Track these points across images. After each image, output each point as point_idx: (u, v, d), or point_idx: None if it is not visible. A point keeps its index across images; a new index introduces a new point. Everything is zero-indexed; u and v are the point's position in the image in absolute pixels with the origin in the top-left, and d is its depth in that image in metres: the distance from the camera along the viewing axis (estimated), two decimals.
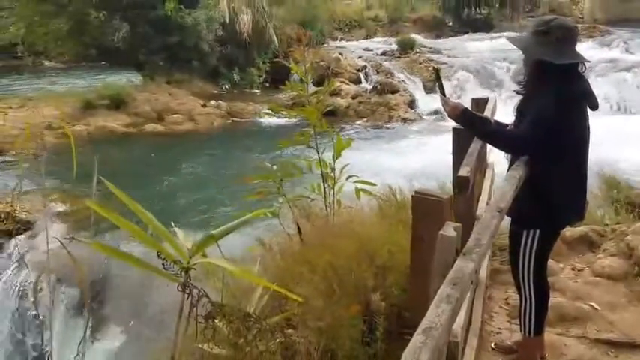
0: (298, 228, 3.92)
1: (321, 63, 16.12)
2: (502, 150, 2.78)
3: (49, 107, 12.50)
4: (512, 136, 2.70)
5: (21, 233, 6.29)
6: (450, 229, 1.69)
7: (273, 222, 4.19)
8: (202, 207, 8.10)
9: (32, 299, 5.48)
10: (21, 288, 5.66)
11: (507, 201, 2.16)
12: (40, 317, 5.18)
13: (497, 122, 2.99)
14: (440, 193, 2.00)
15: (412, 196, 1.97)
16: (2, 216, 6.62)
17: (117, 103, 13.61)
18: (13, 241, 6.21)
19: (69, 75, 19.60)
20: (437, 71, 3.26)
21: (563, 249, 4.44)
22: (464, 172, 2.44)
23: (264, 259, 3.79)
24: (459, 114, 2.76)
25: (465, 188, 2.40)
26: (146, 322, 5.02)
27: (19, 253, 5.95)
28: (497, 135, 2.74)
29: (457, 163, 3.08)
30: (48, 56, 23.55)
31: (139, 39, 15.80)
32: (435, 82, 3.40)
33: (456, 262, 1.57)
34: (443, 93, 2.99)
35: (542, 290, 2.79)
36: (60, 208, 6.86)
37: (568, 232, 4.43)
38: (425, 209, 1.90)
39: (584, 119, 2.63)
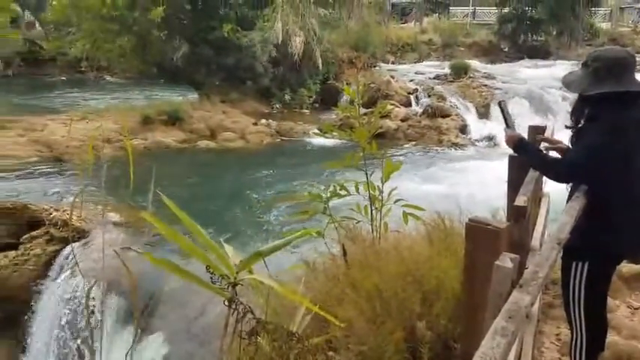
0: (343, 249, 3.88)
1: (372, 85, 16.17)
2: (549, 177, 2.83)
3: (109, 121, 13.06)
4: (556, 164, 2.74)
5: (76, 241, 6.52)
6: (506, 260, 1.63)
7: (317, 242, 4.18)
8: (248, 223, 8.19)
9: (84, 306, 5.64)
10: (73, 295, 5.85)
11: (567, 233, 2.07)
12: (90, 324, 5.32)
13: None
14: (495, 222, 1.93)
15: (466, 224, 1.92)
16: (59, 223, 6.88)
17: (174, 119, 14.07)
18: (68, 248, 6.44)
19: (129, 90, 20.44)
20: (500, 104, 3.24)
21: (620, 286, 4.22)
22: (520, 201, 2.36)
23: (308, 279, 3.77)
24: (516, 142, 2.84)
25: (522, 217, 2.32)
26: (190, 335, 5.08)
27: (73, 260, 6.17)
28: (544, 162, 2.78)
29: (512, 191, 2.99)
30: (110, 72, 24.72)
31: (197, 59, 16.37)
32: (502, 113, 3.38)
33: (512, 295, 1.50)
34: (507, 125, 3.03)
35: (594, 326, 2.65)
36: (115, 218, 7.08)
37: (625, 268, 4.22)
38: (479, 238, 1.84)
39: (631, 148, 2.52)
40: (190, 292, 5.16)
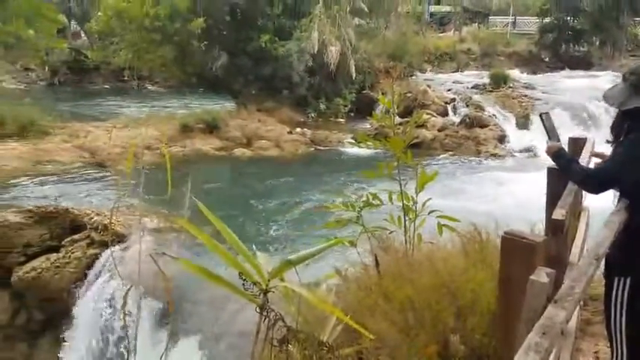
0: (376, 259, 3.85)
1: (408, 94, 16.08)
2: (581, 188, 2.86)
3: (150, 128, 13.38)
4: (589, 175, 2.72)
5: (115, 245, 6.68)
6: (542, 275, 1.59)
7: (348, 251, 4.16)
8: (281, 230, 8.23)
9: (121, 309, 5.77)
10: (111, 297, 6.00)
11: (606, 247, 2.00)
12: (127, 327, 5.43)
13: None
14: (532, 235, 1.89)
15: (502, 237, 1.88)
16: (100, 227, 7.08)
17: (211, 127, 14.34)
18: (107, 252, 6.61)
19: (169, 99, 20.93)
20: (541, 116, 3.19)
21: None
22: (559, 214, 2.30)
23: (339, 288, 3.75)
24: (554, 152, 2.83)
25: (560, 231, 2.26)
26: (222, 340, 5.12)
27: (112, 263, 6.32)
28: (577, 172, 2.76)
29: (550, 203, 2.91)
30: (151, 81, 25.39)
31: (235, 68, 16.67)
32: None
33: (547, 310, 1.46)
34: (549, 137, 3.03)
35: (636, 345, 2.54)
36: (153, 223, 7.23)
37: None
38: (515, 251, 1.79)
39: None
40: (223, 298, 5.21)
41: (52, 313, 6.56)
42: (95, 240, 6.81)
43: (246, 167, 12.76)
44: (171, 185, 3.22)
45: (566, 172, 2.87)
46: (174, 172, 3.19)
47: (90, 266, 6.52)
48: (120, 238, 6.82)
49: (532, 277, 1.60)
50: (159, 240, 6.67)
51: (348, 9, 17.69)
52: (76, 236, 6.92)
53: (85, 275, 6.50)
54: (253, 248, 2.98)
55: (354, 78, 17.54)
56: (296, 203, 10.05)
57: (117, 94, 22.39)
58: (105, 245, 6.66)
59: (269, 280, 2.44)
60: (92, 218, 7.11)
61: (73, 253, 6.67)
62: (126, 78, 24.53)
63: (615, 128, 2.71)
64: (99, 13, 18.19)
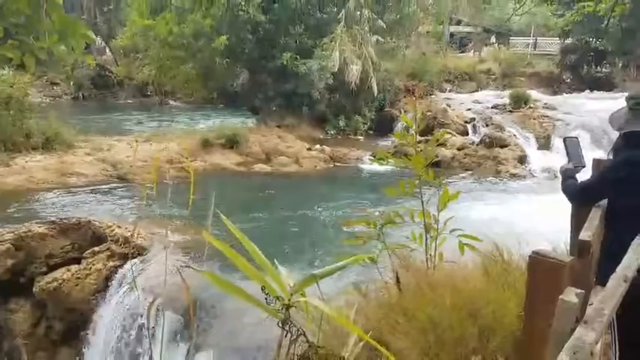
0: (397, 277, 3.84)
1: (428, 113, 16.09)
2: (567, 198, 2.97)
3: (172, 143, 13.57)
4: (573, 187, 2.89)
5: (135, 257, 6.75)
6: (571, 295, 1.58)
7: (368, 268, 4.15)
8: (300, 246, 8.23)
9: (140, 320, 5.81)
10: (131, 309, 6.04)
11: (634, 270, 1.97)
12: (147, 338, 5.46)
13: None
14: (560, 255, 1.88)
15: (529, 257, 1.87)
16: (121, 240, 7.17)
17: (232, 143, 14.48)
18: (128, 264, 6.68)
19: (191, 114, 21.19)
20: (564, 140, 3.25)
21: None
22: (585, 235, 2.29)
23: (360, 305, 3.74)
24: (562, 172, 3.04)
25: (586, 253, 2.24)
26: (242, 354, 5.11)
27: (132, 276, 6.39)
28: (566, 185, 2.94)
29: (575, 225, 2.89)
30: (174, 96, 25.79)
31: (256, 85, 16.90)
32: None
33: (577, 330, 1.45)
34: (569, 160, 3.13)
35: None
36: (174, 236, 7.30)
37: None
38: (542, 271, 1.79)
39: None
40: (241, 312, 5.21)
41: (71, 324, 6.63)
42: (116, 252, 6.88)
43: (265, 182, 12.83)
44: (193, 200, 3.26)
45: (563, 189, 3.00)
46: (196, 186, 3.24)
47: (110, 278, 6.59)
48: (140, 251, 6.88)
49: (562, 297, 1.59)
50: (180, 253, 6.72)
51: (368, 28, 17.85)
52: (96, 248, 7.00)
53: (106, 287, 6.57)
54: (275, 262, 3.00)
55: (376, 96, 17.64)
56: (314, 219, 10.06)
57: (140, 109, 22.75)
58: (125, 258, 6.73)
59: (292, 295, 2.45)
60: (113, 230, 7.20)
61: (93, 264, 6.74)
62: (149, 93, 24.97)
63: (615, 150, 2.81)
64: (124, 29, 18.65)
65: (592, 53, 26.26)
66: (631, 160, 2.59)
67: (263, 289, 2.48)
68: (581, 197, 2.87)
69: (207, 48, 15.67)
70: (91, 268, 6.74)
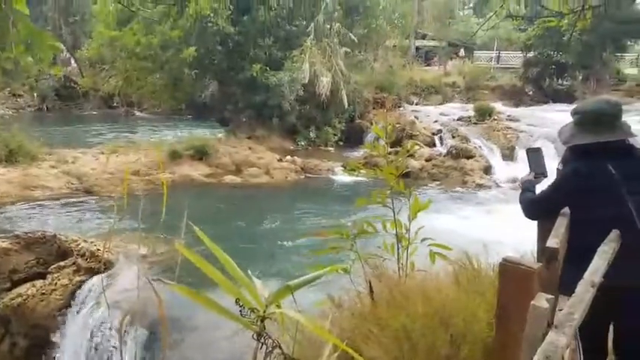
0: (370, 286, 3.86)
1: (397, 125, 16.30)
2: (522, 212, 2.97)
3: (139, 155, 13.37)
4: (525, 201, 2.91)
5: (103, 272, 6.60)
6: (542, 301, 1.63)
7: (341, 278, 4.17)
8: (273, 257, 8.20)
9: (108, 336, 5.68)
10: (98, 325, 5.89)
11: (600, 276, 2.05)
12: (113, 355, 5.34)
13: None
14: (529, 262, 1.94)
15: (500, 264, 1.92)
16: (87, 254, 7.00)
17: (201, 154, 14.36)
18: (94, 279, 6.53)
19: (158, 125, 20.97)
20: (527, 151, 3.32)
21: None
22: (552, 242, 2.36)
23: (334, 315, 3.75)
24: (522, 184, 3.05)
25: (554, 260, 2.31)
26: None
27: (99, 291, 6.24)
28: (521, 199, 2.96)
29: (542, 232, 2.97)
30: (140, 107, 25.47)
31: (226, 97, 16.83)
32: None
33: (549, 335, 1.50)
34: (530, 171, 3.13)
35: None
36: (142, 250, 7.17)
37: None
38: (513, 278, 1.84)
39: (602, 197, 2.54)
40: (217, 325, 5.16)
41: (36, 340, 6.41)
42: (82, 267, 6.71)
43: (235, 194, 12.75)
44: (163, 212, 3.22)
45: (520, 202, 3.03)
46: (162, 198, 3.20)
47: (76, 293, 6.42)
48: (108, 266, 6.74)
49: (533, 302, 1.63)
50: (150, 267, 6.61)
51: (337, 41, 18.05)
52: (62, 263, 6.82)
53: (72, 302, 6.39)
54: (250, 274, 2.99)
55: (346, 107, 17.81)
56: (286, 230, 10.04)
57: (105, 120, 22.39)
58: (92, 272, 6.58)
59: (267, 306, 2.45)
60: (79, 245, 7.03)
61: (59, 280, 6.56)
62: (115, 104, 24.64)
63: (564, 162, 2.85)
64: (90, 40, 18.37)
65: (553, 66, 27.18)
66: (578, 171, 2.64)
67: (237, 301, 2.47)
68: (532, 210, 2.89)
69: (175, 59, 15.53)
70: (56, 283, 6.56)
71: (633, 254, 2.40)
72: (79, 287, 6.56)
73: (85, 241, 7.21)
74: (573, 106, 2.96)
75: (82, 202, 10.74)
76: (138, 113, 25.65)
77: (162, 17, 15.27)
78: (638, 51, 35.42)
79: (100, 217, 9.61)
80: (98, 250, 6.98)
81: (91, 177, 11.83)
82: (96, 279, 6.55)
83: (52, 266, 6.87)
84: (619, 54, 28.11)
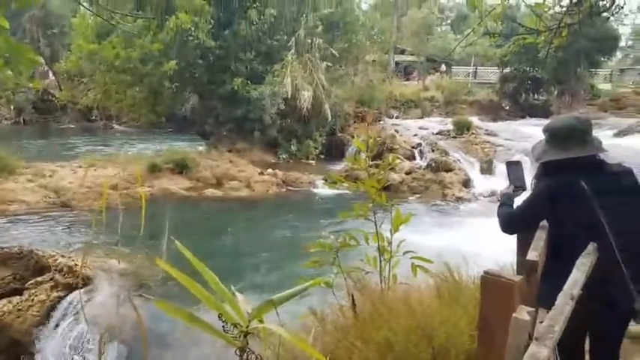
0: (353, 300, 3.87)
1: (377, 138, 16.43)
2: (500, 227, 2.97)
3: (117, 168, 13.22)
4: (502, 215, 2.93)
5: (81, 287, 6.49)
6: (523, 313, 1.66)
7: (325, 291, 4.16)
8: (254, 270, 8.16)
9: (85, 353, 5.57)
10: (76, 341, 5.78)
11: (579, 288, 2.09)
12: None
13: None
14: (510, 275, 1.97)
15: (481, 277, 1.95)
16: (65, 269, 6.87)
17: (181, 167, 14.26)
18: (72, 295, 6.41)
19: (137, 139, 20.79)
20: (507, 164, 3.36)
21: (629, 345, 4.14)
22: (532, 255, 2.40)
23: (317, 330, 3.74)
24: (500, 197, 3.07)
25: (534, 272, 2.35)
26: None
27: (77, 306, 6.13)
28: (499, 213, 2.97)
29: (521, 245, 3.02)
30: (119, 121, 25.23)
31: (207, 110, 16.78)
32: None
33: (530, 347, 1.53)
34: (509, 184, 3.17)
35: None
36: (120, 265, 7.07)
37: (634, 328, 4.16)
38: (495, 290, 1.87)
39: (575, 211, 2.59)
40: (198, 341, 5.10)
41: (13, 357, 6.25)
42: (60, 282, 6.59)
43: (215, 207, 12.67)
44: (142, 227, 3.19)
45: (497, 215, 3.04)
46: (140, 212, 3.18)
47: (54, 309, 6.29)
48: (86, 281, 6.62)
49: (515, 315, 1.66)
50: (129, 282, 6.51)
51: (319, 55, 18.19)
52: (40, 278, 6.69)
53: (50, 319, 6.26)
54: (232, 288, 2.97)
55: (328, 120, 17.91)
56: (266, 243, 10.00)
57: (84, 133, 22.14)
58: (70, 288, 6.46)
59: (249, 321, 2.44)
60: (57, 260, 6.90)
61: (36, 295, 6.42)
62: (93, 118, 24.38)
63: (536, 178, 2.89)
64: (69, 53, 18.18)
65: (529, 82, 27.73)
66: (550, 187, 2.68)
67: (220, 316, 2.45)
68: (508, 225, 2.91)
69: (155, 72, 15.44)
70: (33, 299, 6.42)
71: (607, 267, 2.44)
72: (57, 303, 6.43)
73: (62, 256, 7.08)
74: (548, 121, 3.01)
75: (59, 216, 10.56)
76: (117, 126, 25.41)
77: (142, 30, 15.21)
78: (612, 67, 36.45)
79: (78, 232, 9.46)
80: (76, 265, 6.86)
81: (68, 191, 11.64)
82: (74, 294, 6.43)
83: (29, 282, 6.73)
84: (593, 70, 28.82)
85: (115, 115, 24.44)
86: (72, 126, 25.18)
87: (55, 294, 6.45)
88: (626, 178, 2.65)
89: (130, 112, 19.29)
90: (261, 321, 2.56)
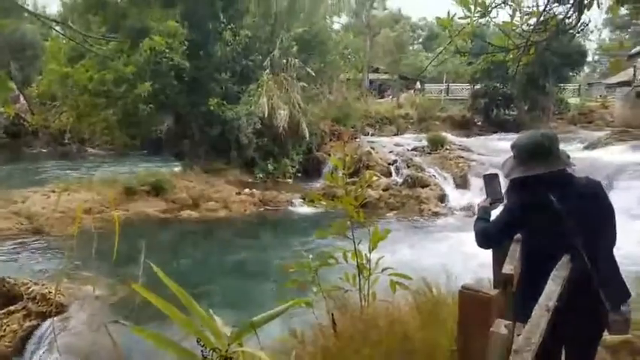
0: (333, 320, 3.85)
1: (354, 156, 16.53)
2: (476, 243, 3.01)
3: (91, 192, 13.01)
4: (477, 229, 2.96)
5: (55, 315, 6.32)
6: (501, 327, 1.68)
7: (306, 311, 4.14)
8: (233, 293, 8.07)
9: None
10: None
11: (554, 300, 2.13)
12: None
13: None
14: (487, 289, 1.99)
15: (459, 291, 1.97)
16: (38, 297, 6.70)
17: (157, 189, 14.09)
18: (46, 323, 6.24)
19: (112, 162, 20.48)
20: (484, 177, 3.40)
21: (605, 354, 4.21)
22: (508, 269, 2.44)
23: (297, 351, 3.71)
24: (478, 210, 3.10)
25: (510, 285, 2.39)
26: None
27: (51, 335, 5.96)
28: (475, 228, 2.99)
29: (497, 258, 3.06)
30: (92, 144, 24.85)
31: (182, 131, 16.70)
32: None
33: None
34: (486, 196, 3.20)
35: None
36: (95, 291, 6.92)
37: (609, 337, 4.23)
38: (473, 305, 1.89)
39: (545, 225, 2.65)
40: None
41: None
42: (33, 311, 6.41)
43: (192, 229, 12.54)
44: (116, 252, 3.14)
45: (474, 229, 3.06)
46: (118, 236, 3.13)
47: (27, 339, 6.10)
48: (60, 309, 6.46)
49: (492, 328, 1.68)
50: (105, 309, 6.37)
51: (295, 75, 18.33)
52: (12, 307, 6.49)
53: (23, 348, 6.06)
54: (210, 312, 2.93)
55: (305, 139, 17.97)
56: (244, 264, 9.91)
57: (56, 158, 21.73)
58: (43, 316, 6.28)
59: (229, 345, 2.40)
60: (30, 288, 6.73)
61: (9, 325, 6.23)
62: (66, 141, 23.96)
63: (508, 194, 2.96)
64: (40, 77, 17.97)
65: (500, 98, 28.33)
66: (520, 203, 2.74)
67: (198, 340, 2.41)
68: (482, 241, 2.94)
69: (129, 94, 15.32)
70: (5, 329, 6.22)
71: (579, 279, 2.49)
72: (31, 333, 6.24)
73: (35, 283, 6.90)
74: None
75: (32, 242, 10.32)
76: (90, 150, 25.04)
77: (115, 53, 15.12)
78: (580, 81, 37.53)
79: (52, 258, 9.24)
80: (50, 292, 6.69)
81: (41, 216, 11.40)
82: (48, 323, 6.25)
83: (1, 311, 6.53)
84: (562, 85, 29.60)
85: (88, 139, 24.09)
86: (44, 150, 24.75)
87: (28, 323, 6.27)
88: (593, 191, 2.71)
89: (103, 135, 19.07)
90: (240, 344, 2.54)
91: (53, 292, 6.73)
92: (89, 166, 19.62)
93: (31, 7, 25.71)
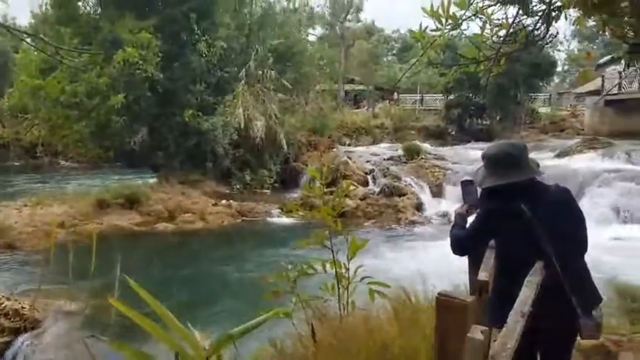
0: (312, 329, 3.86)
1: (331, 166, 16.60)
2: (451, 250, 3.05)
3: (64, 206, 12.78)
4: (452, 237, 3.00)
5: (28, 331, 6.18)
6: (477, 333, 1.71)
7: (285, 321, 4.13)
8: (210, 304, 7.99)
9: None
10: None
11: (529, 305, 2.18)
12: None
13: None
14: (464, 296, 2.04)
15: (436, 298, 2.00)
16: (10, 313, 6.54)
17: (131, 202, 13.90)
18: (19, 339, 6.09)
19: (85, 175, 20.19)
20: (461, 183, 3.45)
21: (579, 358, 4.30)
22: (483, 275, 2.49)
23: None
24: (454, 216, 3.13)
25: (485, 291, 2.44)
26: None
27: (25, 351, 5.82)
28: (450, 235, 3.03)
29: (473, 265, 3.11)
30: (65, 156, 24.44)
31: (157, 143, 16.52)
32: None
33: None
34: (464, 202, 3.24)
35: None
36: (68, 306, 6.78)
37: (582, 342, 4.32)
38: (449, 311, 1.92)
39: (516, 233, 2.70)
40: None
41: None
42: (6, 327, 6.25)
43: (169, 242, 12.39)
44: (93, 266, 3.11)
45: (449, 236, 3.10)
46: (90, 250, 3.09)
47: (0, 356, 5.94)
48: (34, 324, 6.31)
49: (469, 334, 1.72)
50: (80, 324, 6.25)
51: (271, 86, 18.37)
52: None
53: None
54: (189, 325, 2.91)
55: (284, 150, 17.98)
56: (222, 275, 9.83)
57: (28, 171, 21.30)
58: (17, 332, 6.13)
59: (207, 358, 2.39)
60: (2, 304, 6.56)
61: None
62: (38, 154, 23.52)
63: (480, 203, 3.02)
64: (11, 90, 17.62)
65: (473, 108, 28.84)
66: (492, 212, 2.80)
67: (177, 355, 2.39)
68: (456, 248, 2.98)
69: (102, 106, 15.11)
70: None
71: (550, 285, 2.53)
72: (4, 349, 6.08)
73: (8, 299, 6.74)
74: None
75: (4, 257, 10.07)
76: (63, 162, 24.64)
77: (88, 65, 14.93)
78: (550, 91, 38.43)
79: (25, 273, 9.03)
80: (23, 308, 6.55)
81: (13, 231, 11.14)
82: (22, 339, 6.10)
83: None
84: (532, 94, 30.27)
85: (61, 151, 23.70)
86: (16, 163, 24.25)
87: (1, 339, 6.11)
88: (562, 198, 2.78)
89: (76, 147, 18.74)
90: (219, 357, 2.53)
91: (27, 307, 6.58)
92: (62, 179, 19.28)
93: (1, 19, 25.25)
